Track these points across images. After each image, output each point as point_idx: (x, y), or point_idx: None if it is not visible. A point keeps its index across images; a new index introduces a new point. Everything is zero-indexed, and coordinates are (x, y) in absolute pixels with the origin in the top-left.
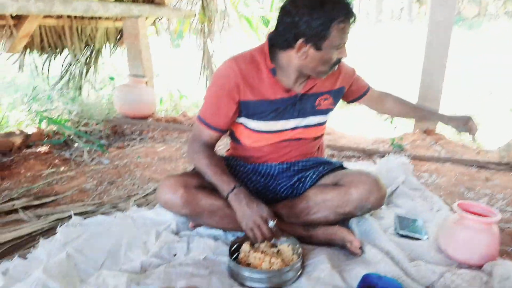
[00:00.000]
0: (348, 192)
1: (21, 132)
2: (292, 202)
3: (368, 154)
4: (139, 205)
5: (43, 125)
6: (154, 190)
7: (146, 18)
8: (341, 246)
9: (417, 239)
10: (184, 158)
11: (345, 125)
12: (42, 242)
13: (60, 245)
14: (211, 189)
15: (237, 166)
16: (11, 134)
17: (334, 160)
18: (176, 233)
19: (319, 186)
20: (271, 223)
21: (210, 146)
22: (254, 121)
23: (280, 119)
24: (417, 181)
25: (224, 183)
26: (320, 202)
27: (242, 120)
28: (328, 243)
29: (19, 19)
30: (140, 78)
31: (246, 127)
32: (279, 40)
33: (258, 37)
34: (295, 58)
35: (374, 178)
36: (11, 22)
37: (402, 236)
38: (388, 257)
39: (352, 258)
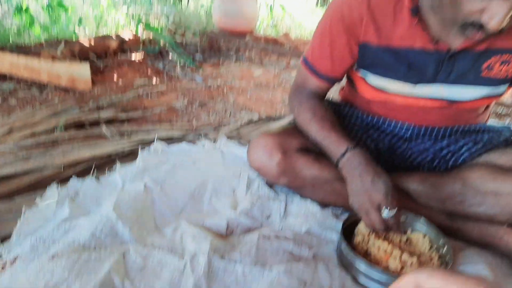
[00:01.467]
0: None
1: (117, 36)
2: (436, 179)
3: None
4: (229, 138)
5: (140, 31)
6: (248, 122)
7: None
8: (503, 252)
9: None
10: (282, 87)
11: None
12: (119, 167)
13: (139, 171)
14: (317, 153)
15: (352, 118)
16: (107, 37)
17: (502, 125)
18: (271, 185)
19: (487, 167)
20: (387, 213)
21: (317, 96)
22: (375, 76)
23: (416, 81)
24: None
25: (333, 143)
26: (488, 193)
27: (362, 73)
28: (484, 244)
29: None
30: None
31: (366, 81)
32: None
33: None
34: None
35: None
36: None
37: None
38: None
39: None
